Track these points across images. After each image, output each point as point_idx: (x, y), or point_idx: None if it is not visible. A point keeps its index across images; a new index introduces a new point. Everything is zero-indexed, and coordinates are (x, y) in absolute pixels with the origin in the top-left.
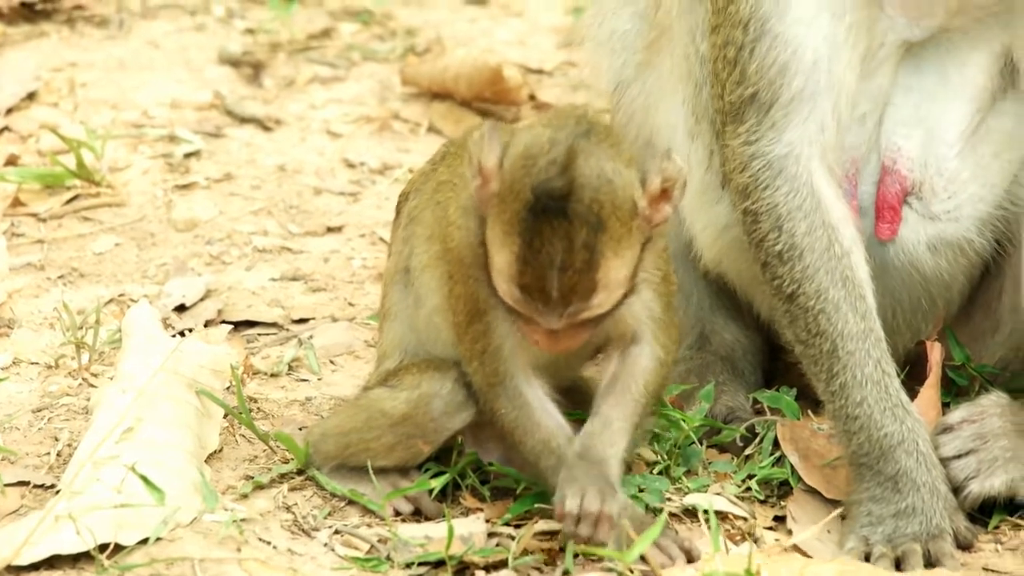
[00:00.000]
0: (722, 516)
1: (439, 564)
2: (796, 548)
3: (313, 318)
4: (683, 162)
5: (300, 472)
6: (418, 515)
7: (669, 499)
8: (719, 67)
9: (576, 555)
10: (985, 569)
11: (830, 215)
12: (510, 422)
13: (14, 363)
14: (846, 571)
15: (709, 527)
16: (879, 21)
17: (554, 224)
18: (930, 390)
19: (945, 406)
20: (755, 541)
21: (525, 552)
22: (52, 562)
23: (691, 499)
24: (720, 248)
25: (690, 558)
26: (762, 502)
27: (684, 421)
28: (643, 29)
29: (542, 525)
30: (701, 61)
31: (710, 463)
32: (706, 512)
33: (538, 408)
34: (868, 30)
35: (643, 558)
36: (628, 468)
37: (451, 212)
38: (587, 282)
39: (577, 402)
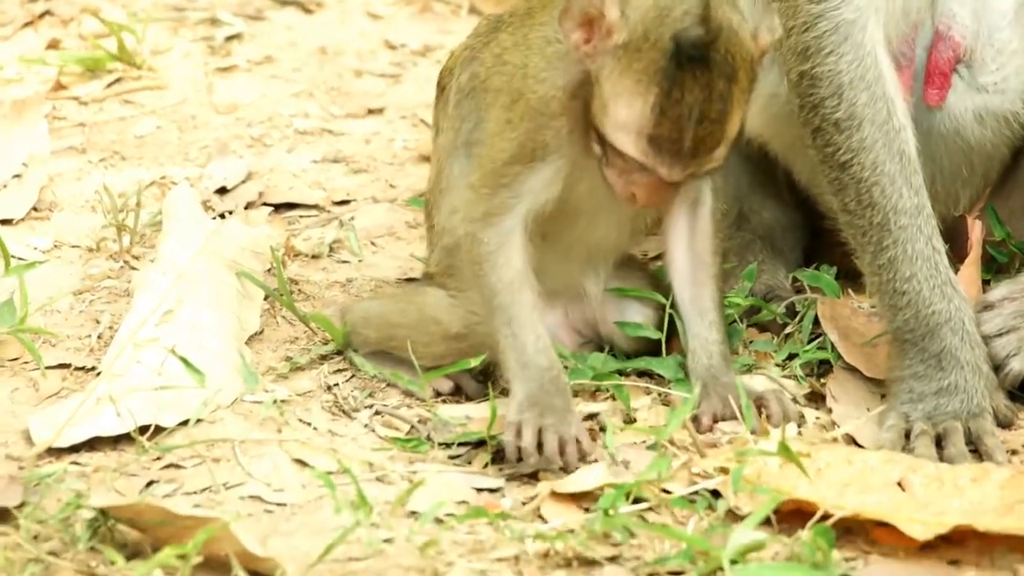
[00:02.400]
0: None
1: (479, 444)
2: (840, 436)
3: (354, 200)
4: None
5: (340, 353)
6: (458, 395)
7: None
8: None
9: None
10: None
11: (889, 87)
12: (480, 256)
13: (55, 246)
14: (892, 460)
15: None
16: None
17: (696, 73)
18: (971, 267)
19: (985, 283)
20: (801, 417)
21: None
22: (92, 444)
23: None
24: (767, 117)
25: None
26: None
27: (732, 300)
28: None
29: (582, 405)
30: None
31: (751, 342)
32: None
33: (519, 258)
34: None
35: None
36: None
37: (531, 67)
38: (718, 134)
39: (624, 277)
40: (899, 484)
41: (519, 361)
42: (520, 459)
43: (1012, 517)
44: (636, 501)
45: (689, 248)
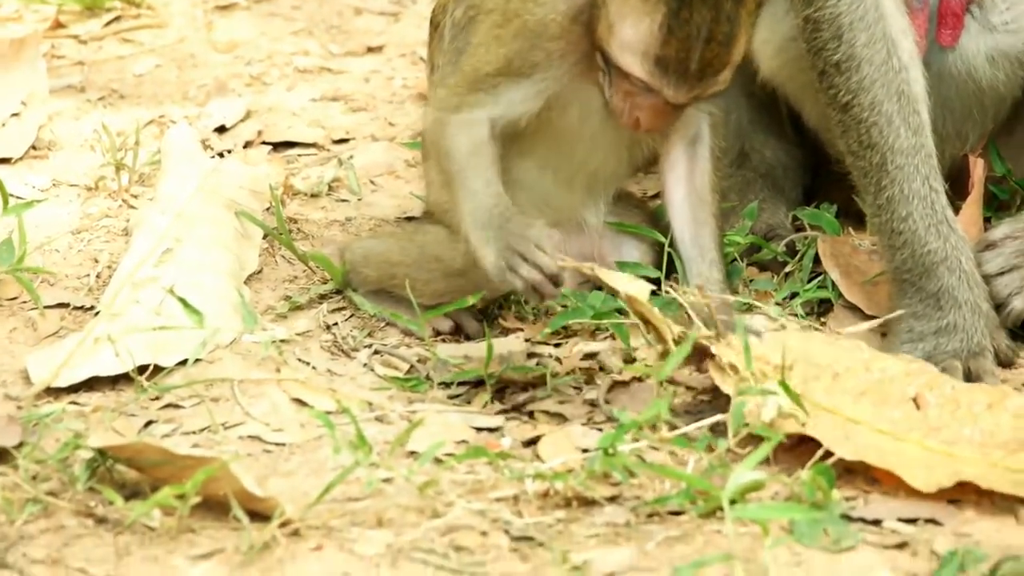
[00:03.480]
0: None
1: (478, 383)
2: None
3: (353, 138)
4: None
5: (339, 292)
6: (458, 334)
7: None
8: None
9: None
10: None
11: (891, 27)
12: (443, 138)
13: (54, 185)
14: (911, 372)
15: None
16: None
17: None
18: (972, 206)
19: (987, 220)
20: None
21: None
22: (91, 384)
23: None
24: (781, 61)
25: None
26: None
27: (732, 239)
28: None
29: (581, 345)
30: None
31: (751, 281)
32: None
33: (483, 137)
34: None
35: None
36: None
37: None
38: (724, 56)
39: (623, 214)
40: (914, 400)
41: (473, 206)
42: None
43: (1021, 456)
44: (635, 440)
45: (688, 186)
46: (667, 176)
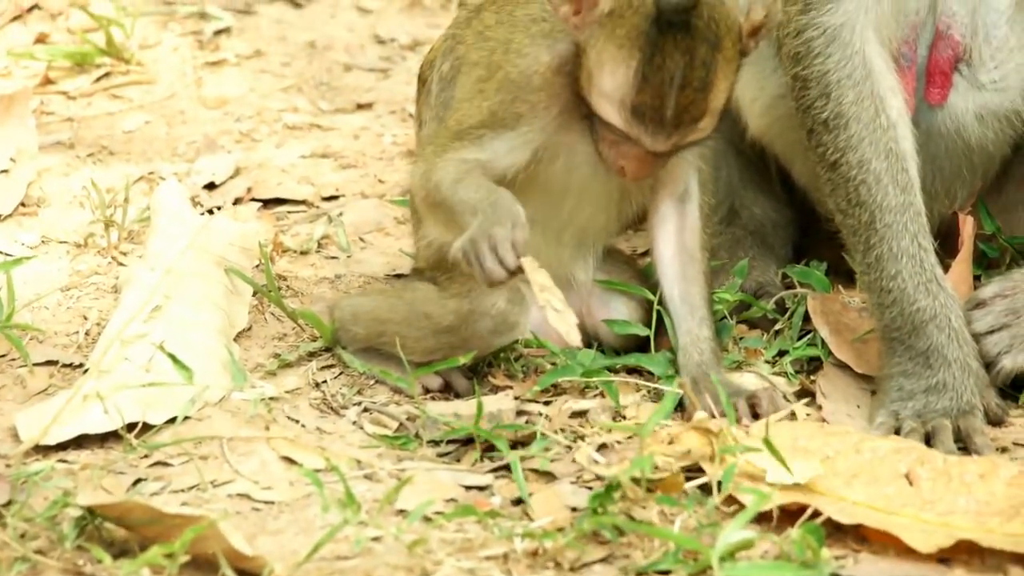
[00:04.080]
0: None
1: (468, 441)
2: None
3: (343, 195)
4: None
5: (329, 350)
6: (447, 392)
7: None
8: None
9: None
10: (1016, 444)
11: (879, 85)
12: (435, 183)
13: (43, 242)
14: (901, 450)
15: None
16: None
17: (677, 38)
18: (962, 264)
19: (976, 278)
20: (792, 416)
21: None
22: (80, 441)
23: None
24: (770, 119)
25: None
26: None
27: (721, 297)
28: None
29: (571, 403)
30: None
31: (741, 339)
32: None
33: (475, 174)
34: None
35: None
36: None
37: (515, 43)
38: (701, 102)
39: (612, 271)
40: (906, 476)
41: (473, 202)
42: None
43: (1018, 522)
44: (624, 498)
45: (678, 243)
46: (656, 233)
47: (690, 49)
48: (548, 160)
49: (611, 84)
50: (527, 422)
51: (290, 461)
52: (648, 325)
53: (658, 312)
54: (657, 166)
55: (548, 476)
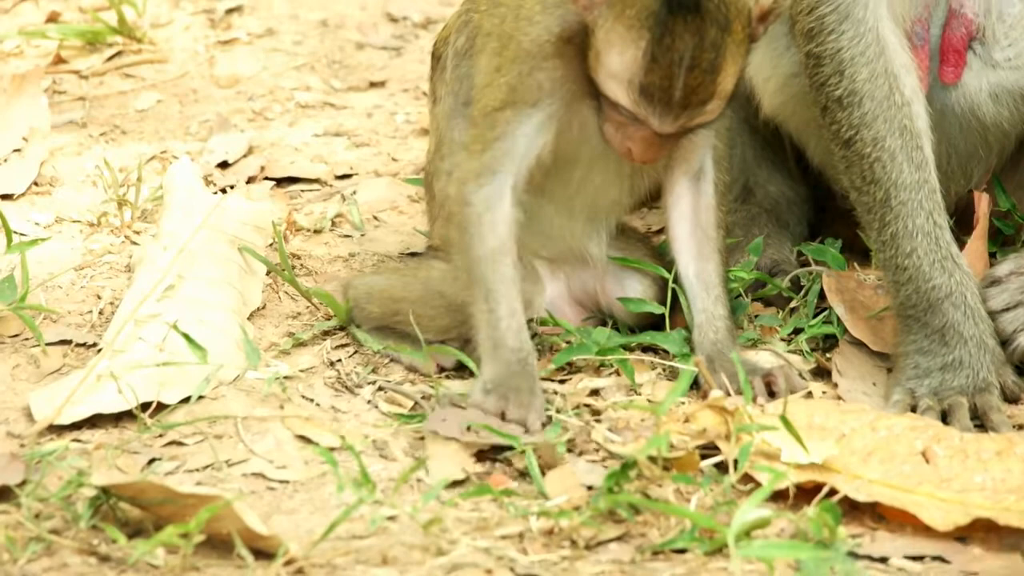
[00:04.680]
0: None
1: None
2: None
3: (356, 174)
4: None
5: (343, 329)
6: (463, 369)
7: None
8: None
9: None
10: None
11: (893, 63)
12: (466, 221)
13: (56, 221)
14: (917, 427)
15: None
16: None
17: (687, 19)
18: (977, 241)
19: (992, 255)
20: (808, 394)
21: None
22: (94, 421)
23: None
24: (783, 98)
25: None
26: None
27: (732, 275)
28: None
29: (586, 381)
30: None
31: (756, 317)
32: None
33: (504, 226)
34: None
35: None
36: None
37: (525, 8)
38: (709, 84)
39: (626, 249)
40: (923, 454)
41: (491, 337)
42: None
43: None
44: (640, 477)
45: (693, 221)
46: (671, 211)
47: (700, 31)
48: (562, 131)
49: (619, 64)
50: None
51: (305, 440)
52: (663, 303)
53: (673, 290)
54: (664, 149)
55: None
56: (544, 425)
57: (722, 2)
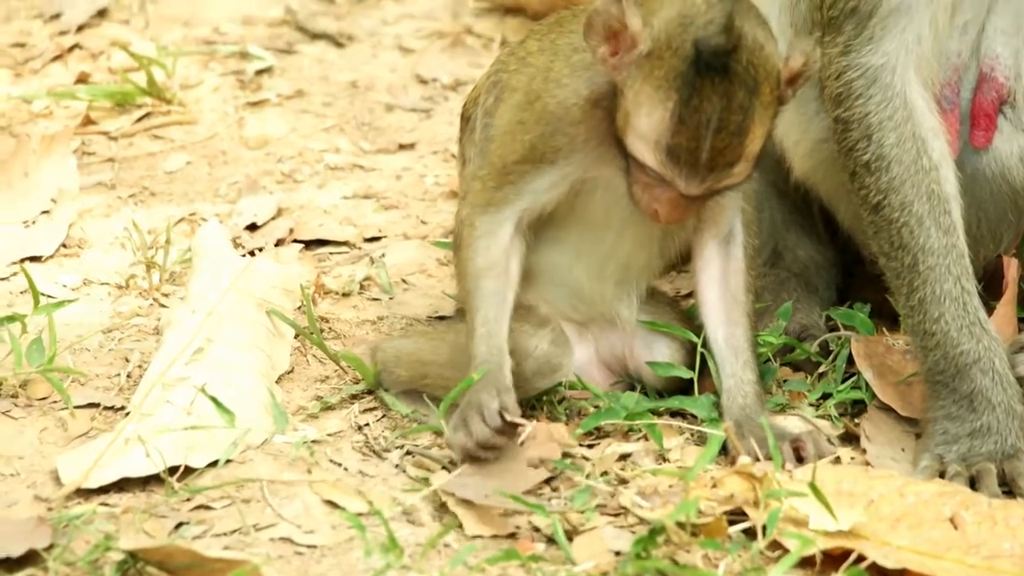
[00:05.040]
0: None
1: None
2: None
3: (385, 236)
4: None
5: (371, 392)
6: None
7: None
8: None
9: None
10: None
11: (921, 127)
12: (466, 240)
13: (85, 283)
14: (945, 493)
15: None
16: None
17: (715, 81)
18: (1006, 307)
19: (1021, 321)
20: (836, 460)
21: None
22: (122, 485)
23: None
24: (813, 162)
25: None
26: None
27: (765, 340)
28: None
29: (615, 446)
30: None
31: (784, 381)
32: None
33: (498, 251)
34: None
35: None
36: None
37: (555, 71)
38: (736, 146)
39: (654, 313)
40: (951, 520)
41: (468, 348)
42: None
43: None
44: (668, 542)
45: (722, 285)
46: (700, 275)
47: (728, 93)
48: (587, 194)
49: (647, 125)
50: (572, 463)
51: (332, 504)
52: (691, 367)
53: (701, 354)
54: (691, 211)
55: (592, 519)
56: (514, 425)
57: (751, 64)
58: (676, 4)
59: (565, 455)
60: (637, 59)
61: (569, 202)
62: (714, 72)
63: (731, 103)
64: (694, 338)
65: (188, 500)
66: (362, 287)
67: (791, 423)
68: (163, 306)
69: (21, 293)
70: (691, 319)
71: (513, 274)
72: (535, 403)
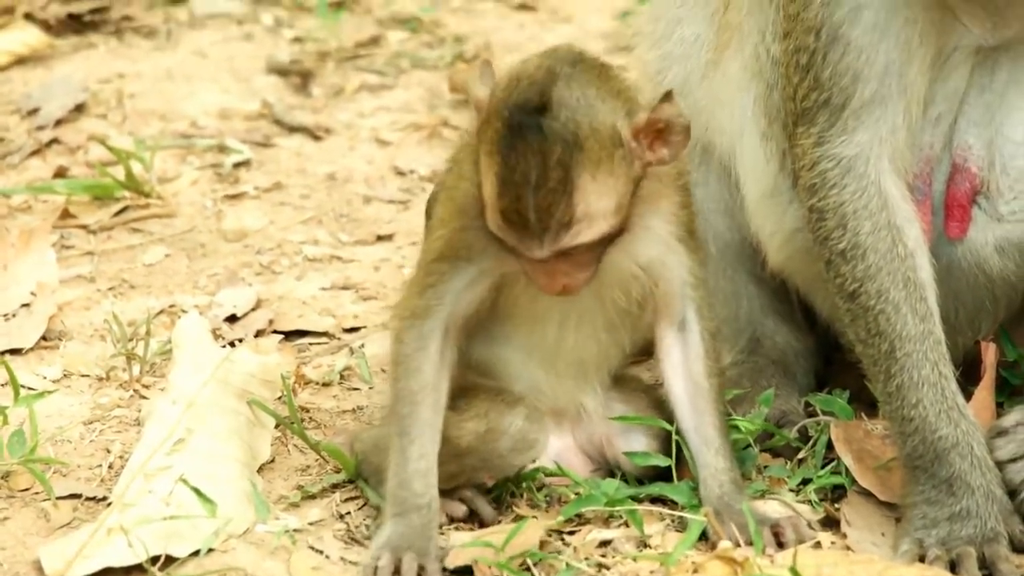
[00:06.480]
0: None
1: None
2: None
3: (364, 327)
4: (683, 113)
5: (352, 481)
6: (472, 521)
7: None
8: (790, 72)
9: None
10: None
11: (896, 216)
12: (395, 357)
13: (65, 375)
14: (927, 574)
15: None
16: (953, 28)
17: (528, 139)
18: (984, 392)
19: (999, 405)
20: (817, 544)
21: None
22: (105, 575)
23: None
24: (789, 252)
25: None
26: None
27: (741, 426)
28: (711, 30)
29: (595, 532)
30: (772, 62)
31: (764, 467)
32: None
33: (429, 370)
34: (941, 35)
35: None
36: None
37: (465, 165)
38: (563, 203)
39: (628, 401)
40: None
41: (397, 475)
42: None
43: None
44: None
45: (684, 373)
46: (663, 364)
47: (542, 148)
48: (509, 287)
49: (486, 192)
50: (552, 551)
51: None
52: (668, 454)
53: (678, 441)
54: (572, 277)
55: None
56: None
57: (570, 120)
58: (512, 71)
59: (544, 543)
60: (480, 127)
61: (504, 300)
62: (527, 130)
63: (547, 160)
64: (668, 427)
65: None
66: (342, 377)
67: (771, 508)
68: (144, 397)
69: (2, 386)
70: (666, 406)
71: (443, 399)
72: (515, 490)
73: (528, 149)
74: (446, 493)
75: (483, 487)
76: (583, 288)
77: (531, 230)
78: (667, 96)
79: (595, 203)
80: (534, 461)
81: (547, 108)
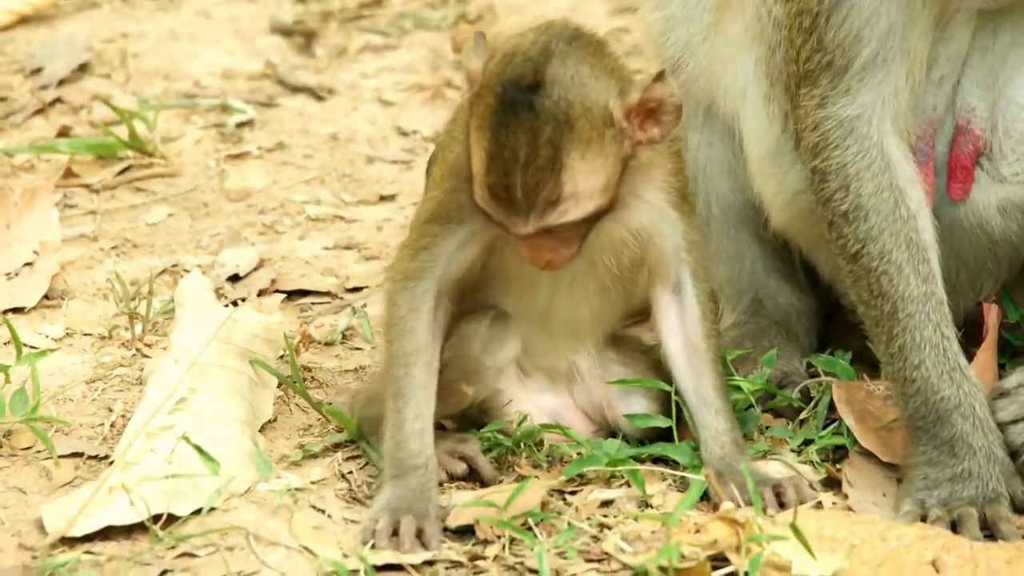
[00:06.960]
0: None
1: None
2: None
3: (367, 286)
4: (675, 92)
5: (354, 441)
6: (472, 479)
7: None
8: (793, 34)
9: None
10: None
11: (898, 177)
12: (390, 319)
13: (67, 334)
14: (927, 537)
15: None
16: None
17: (519, 116)
18: (986, 353)
19: (1001, 367)
20: (818, 505)
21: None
22: (106, 533)
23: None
24: (791, 213)
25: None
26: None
27: (742, 386)
28: None
29: (597, 492)
30: (775, 24)
31: (766, 428)
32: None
33: (423, 331)
34: None
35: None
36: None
37: (457, 127)
38: (552, 183)
39: (627, 363)
40: (933, 564)
41: (394, 438)
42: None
43: None
44: None
45: (681, 335)
46: (660, 326)
47: (533, 127)
48: (500, 251)
49: (475, 165)
50: (554, 511)
51: (315, 552)
52: (668, 415)
53: (678, 402)
54: (560, 252)
55: (575, 565)
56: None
57: (562, 99)
58: (507, 45)
59: (545, 503)
60: (472, 100)
61: (496, 261)
62: (520, 108)
63: (537, 138)
64: (667, 388)
65: (172, 548)
66: (344, 337)
67: (773, 468)
68: (146, 356)
69: (4, 344)
70: (665, 365)
71: (436, 360)
72: (515, 450)
73: (519, 126)
74: (442, 435)
75: (484, 446)
76: (569, 262)
77: (517, 206)
78: (660, 75)
79: (583, 182)
80: (504, 361)
81: (540, 86)
